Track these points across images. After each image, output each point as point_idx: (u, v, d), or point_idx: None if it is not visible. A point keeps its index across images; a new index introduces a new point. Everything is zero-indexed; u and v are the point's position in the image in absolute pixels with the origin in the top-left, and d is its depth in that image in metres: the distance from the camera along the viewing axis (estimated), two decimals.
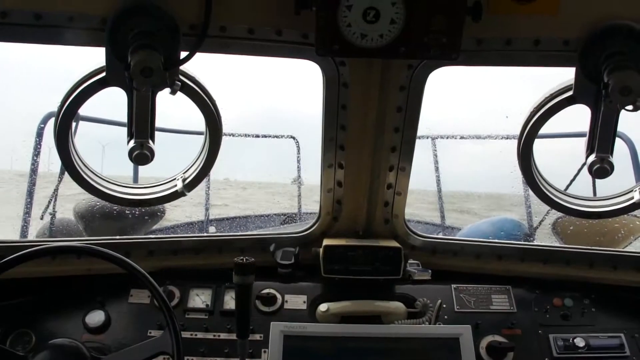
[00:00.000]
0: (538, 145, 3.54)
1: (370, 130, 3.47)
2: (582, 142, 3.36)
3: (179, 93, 3.06)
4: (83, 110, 3.39)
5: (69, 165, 3.36)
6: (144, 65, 2.70)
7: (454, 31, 2.79)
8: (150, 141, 3.10)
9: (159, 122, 3.18)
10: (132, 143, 3.09)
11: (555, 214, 6.45)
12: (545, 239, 7.09)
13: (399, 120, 3.41)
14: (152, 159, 3.11)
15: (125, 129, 3.14)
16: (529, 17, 2.95)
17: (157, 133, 3.17)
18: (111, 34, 2.86)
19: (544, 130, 3.48)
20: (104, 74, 3.05)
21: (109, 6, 2.87)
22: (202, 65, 3.28)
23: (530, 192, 7.40)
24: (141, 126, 3.06)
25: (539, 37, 3.05)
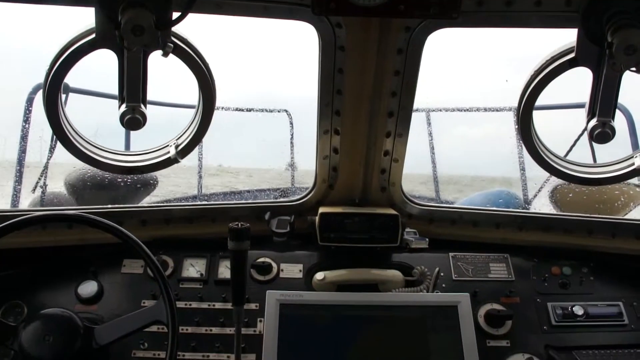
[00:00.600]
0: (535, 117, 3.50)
1: (367, 95, 3.41)
2: (580, 112, 3.32)
3: (171, 56, 2.99)
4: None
5: (59, 132, 3.29)
6: (134, 23, 2.63)
7: None
8: (142, 105, 3.03)
9: (151, 96, 3.11)
10: (123, 107, 3.02)
11: (552, 184, 6.43)
12: (542, 209, 7.08)
13: (397, 85, 3.34)
14: (144, 124, 3.05)
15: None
16: None
17: (149, 107, 3.10)
18: None
19: (543, 101, 3.43)
20: (93, 35, 2.96)
21: None
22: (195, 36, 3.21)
23: (526, 165, 7.42)
24: (133, 89, 2.99)
25: None
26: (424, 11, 2.76)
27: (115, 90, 3.08)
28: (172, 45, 2.93)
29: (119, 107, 3.05)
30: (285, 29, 3.31)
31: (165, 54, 2.92)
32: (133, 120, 3.02)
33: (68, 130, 3.32)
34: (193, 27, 3.13)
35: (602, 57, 3.02)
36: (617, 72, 3.02)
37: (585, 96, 3.27)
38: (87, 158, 3.44)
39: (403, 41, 3.16)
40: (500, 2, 2.99)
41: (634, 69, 2.89)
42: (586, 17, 2.95)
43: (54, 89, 3.15)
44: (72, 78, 3.44)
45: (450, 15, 2.77)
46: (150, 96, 3.10)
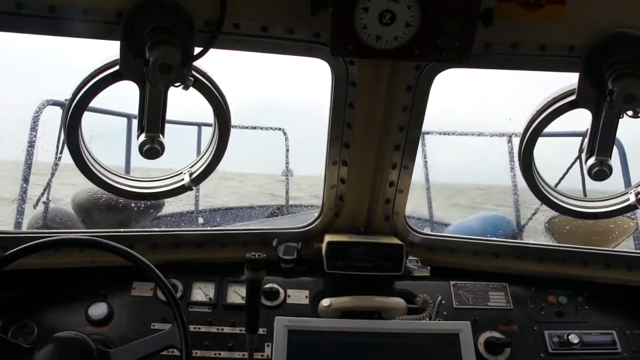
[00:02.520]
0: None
1: (375, 129, 3.52)
2: (569, 140, 3.44)
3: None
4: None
5: (78, 158, 3.36)
6: (163, 61, 2.70)
7: (465, 35, 2.83)
8: (161, 135, 3.11)
9: None
10: (142, 137, 3.10)
11: (544, 214, 6.56)
12: (537, 238, 7.20)
13: (404, 120, 3.45)
14: (162, 154, 3.13)
15: (118, 119, 3.14)
16: (536, 22, 2.99)
17: None
18: (127, 28, 2.85)
19: None
20: (117, 67, 3.05)
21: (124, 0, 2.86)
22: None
23: (520, 192, 7.54)
24: (153, 120, 3.08)
25: (545, 43, 3.11)
26: (437, 56, 2.87)
27: (115, 107, 3.14)
28: (192, 79, 3.00)
29: (138, 136, 3.12)
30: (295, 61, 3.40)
31: (185, 88, 3.00)
32: (152, 150, 3.10)
33: (86, 156, 3.39)
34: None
35: (602, 100, 3.14)
36: (616, 116, 3.15)
37: (575, 125, 3.38)
38: (104, 184, 3.51)
39: (412, 79, 3.28)
40: (507, 46, 3.12)
41: (630, 113, 3.02)
42: (588, 64, 3.08)
43: (76, 116, 3.23)
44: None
45: (461, 60, 2.90)
46: None
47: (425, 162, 8.32)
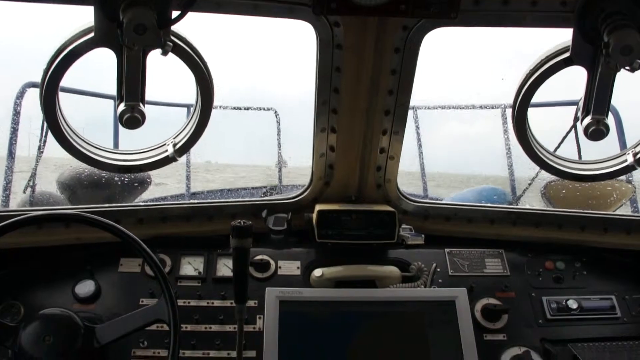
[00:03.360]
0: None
1: (363, 93, 3.44)
2: (564, 110, 3.36)
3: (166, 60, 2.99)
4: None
5: (57, 132, 3.27)
6: (137, 21, 2.62)
7: None
8: (141, 104, 3.02)
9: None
10: (122, 106, 3.01)
11: (541, 181, 6.51)
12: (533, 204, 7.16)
13: (393, 83, 3.37)
14: (143, 123, 3.04)
15: (103, 100, 3.06)
16: None
17: None
18: None
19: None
20: (92, 34, 2.95)
21: None
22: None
23: (514, 162, 7.50)
24: (132, 88, 2.98)
25: None
26: (424, 10, 2.79)
27: (99, 89, 3.07)
28: (171, 44, 2.92)
29: (117, 105, 3.04)
30: (280, 27, 3.32)
31: (164, 53, 2.91)
32: (132, 119, 3.01)
33: (66, 130, 3.31)
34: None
35: (597, 56, 3.06)
36: (613, 71, 3.06)
37: (570, 95, 3.30)
38: (85, 158, 3.43)
39: (400, 40, 3.19)
40: (497, 2, 3.02)
41: (628, 67, 2.93)
42: (581, 17, 2.98)
43: (51, 88, 3.14)
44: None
45: (449, 15, 2.81)
46: None
47: (419, 138, 8.27)
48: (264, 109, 9.13)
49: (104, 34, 2.89)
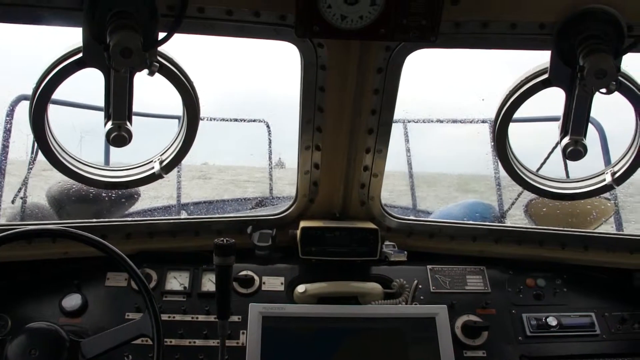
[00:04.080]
0: (511, 128, 3.57)
1: (347, 113, 3.48)
2: (553, 125, 3.41)
3: (156, 75, 3.03)
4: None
5: (46, 148, 3.32)
6: (123, 45, 2.65)
7: (432, 14, 2.79)
8: (128, 123, 3.06)
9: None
10: (109, 125, 3.04)
11: (527, 197, 6.55)
12: (518, 223, 7.20)
13: (376, 103, 3.42)
14: (129, 141, 3.08)
15: (96, 112, 3.09)
16: (506, 0, 2.98)
17: None
18: (88, 14, 2.80)
19: (517, 114, 3.51)
20: (80, 54, 3.00)
21: None
22: (178, 48, 3.25)
23: (502, 175, 7.52)
24: (119, 107, 3.02)
25: (516, 21, 3.06)
26: (404, 35, 2.83)
27: (92, 101, 3.10)
28: (157, 65, 2.95)
29: (105, 124, 3.07)
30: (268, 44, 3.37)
31: (151, 73, 2.94)
32: (119, 138, 3.04)
33: (54, 146, 3.35)
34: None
35: (574, 78, 3.10)
36: (589, 93, 3.12)
37: (555, 110, 3.35)
38: (72, 174, 3.47)
39: (383, 60, 3.24)
40: (477, 25, 3.07)
41: (604, 90, 2.99)
42: (559, 41, 3.04)
43: (40, 106, 3.18)
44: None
45: (429, 39, 2.86)
46: None
47: (408, 151, 8.31)
48: (257, 121, 9.15)
49: (92, 55, 2.93)
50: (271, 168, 8.82)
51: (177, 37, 2.95)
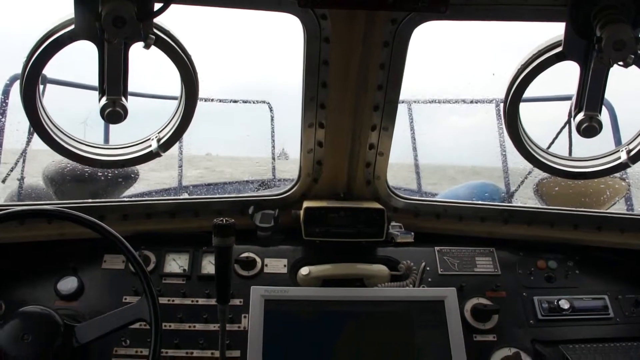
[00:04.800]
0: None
1: (352, 88, 3.37)
2: (558, 105, 3.30)
3: (152, 48, 2.91)
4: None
5: (37, 124, 3.20)
6: (115, 14, 2.54)
7: None
8: (123, 98, 2.95)
9: (133, 87, 3.04)
10: (103, 100, 2.93)
11: (533, 179, 6.46)
12: (526, 202, 7.10)
13: (382, 78, 3.30)
14: (125, 117, 2.97)
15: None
16: None
17: (130, 98, 3.02)
18: None
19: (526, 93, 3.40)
20: (72, 26, 2.87)
21: None
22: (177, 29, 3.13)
23: (508, 158, 7.43)
24: (113, 82, 2.91)
25: None
26: (412, 4, 2.70)
27: (95, 82, 3.00)
28: (153, 37, 2.85)
29: (99, 100, 2.97)
30: (270, 20, 3.24)
31: (147, 46, 2.84)
32: (114, 114, 2.94)
33: (46, 123, 3.24)
34: (176, 18, 3.05)
35: (590, 51, 2.99)
36: (606, 66, 2.99)
37: (564, 89, 3.24)
38: (66, 152, 3.36)
39: (389, 34, 3.11)
40: None
41: (621, 63, 2.86)
42: (574, 11, 2.90)
43: (31, 80, 3.06)
44: (51, 68, 3.34)
45: (438, 9, 2.73)
46: (131, 87, 3.02)
47: (413, 133, 8.21)
48: (258, 102, 9.03)
49: (84, 26, 2.81)
50: (274, 147, 8.75)
51: (177, 13, 2.84)
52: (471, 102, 7.72)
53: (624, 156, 3.54)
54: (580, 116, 3.16)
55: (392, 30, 3.10)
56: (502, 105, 3.57)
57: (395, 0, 2.68)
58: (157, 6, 2.77)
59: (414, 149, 8.25)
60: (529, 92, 3.39)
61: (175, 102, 3.44)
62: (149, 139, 3.44)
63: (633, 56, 2.80)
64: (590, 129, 3.16)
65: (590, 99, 3.13)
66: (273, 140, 8.74)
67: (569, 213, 3.90)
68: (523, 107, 3.45)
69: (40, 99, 3.17)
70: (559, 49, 3.11)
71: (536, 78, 3.28)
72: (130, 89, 3.02)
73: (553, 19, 3.06)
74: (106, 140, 6.86)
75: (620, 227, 3.85)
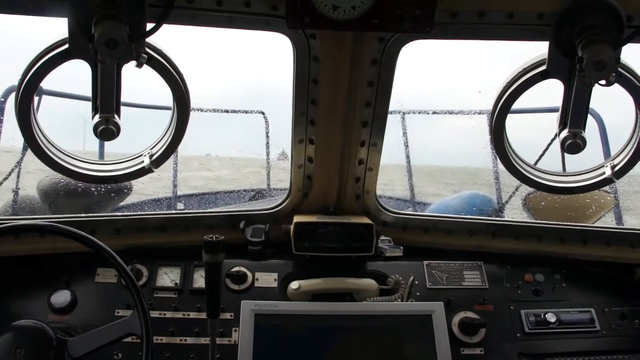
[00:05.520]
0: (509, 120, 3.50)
1: (341, 105, 3.41)
2: (551, 117, 3.34)
3: (145, 67, 2.95)
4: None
5: (32, 141, 3.25)
6: (108, 36, 2.57)
7: (427, 4, 2.71)
8: (116, 116, 2.99)
9: (127, 97, 3.08)
10: (96, 118, 2.97)
11: (525, 189, 6.48)
12: (516, 216, 7.14)
13: (371, 95, 3.34)
14: (117, 135, 3.01)
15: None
16: None
17: (123, 108, 3.05)
18: (74, 3, 2.71)
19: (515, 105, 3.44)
20: (66, 45, 2.91)
21: None
22: (170, 39, 3.18)
23: (500, 168, 7.45)
24: (106, 100, 2.95)
25: (513, 11, 2.98)
26: (398, 25, 2.75)
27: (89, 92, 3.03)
28: (146, 56, 2.88)
29: (92, 117, 3.00)
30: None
31: (139, 65, 2.87)
32: (107, 131, 2.98)
33: (41, 139, 3.28)
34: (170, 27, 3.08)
35: (573, 70, 3.03)
36: (587, 85, 3.05)
37: (554, 101, 3.28)
38: (59, 167, 3.40)
39: (377, 52, 3.17)
40: (474, 15, 2.99)
41: (603, 82, 2.91)
42: (557, 31, 2.95)
43: (26, 98, 3.10)
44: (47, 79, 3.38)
45: (424, 29, 2.78)
46: (124, 97, 3.06)
47: (406, 143, 8.24)
48: (253, 112, 9.05)
49: (78, 46, 2.85)
50: (269, 158, 8.77)
51: (168, 29, 2.88)
52: (464, 113, 7.79)
53: (608, 171, 3.58)
54: (565, 133, 3.20)
55: (379, 49, 3.15)
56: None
57: (380, 21, 2.72)
58: (149, 26, 2.81)
59: (408, 163, 8.28)
60: (529, 103, 3.43)
61: (164, 111, 3.46)
62: (141, 154, 3.48)
63: (614, 75, 2.85)
64: (574, 146, 3.20)
65: (574, 116, 3.17)
66: (268, 149, 8.76)
67: (555, 227, 3.94)
68: (511, 117, 3.51)
69: (35, 116, 3.21)
70: (543, 67, 3.15)
71: (521, 95, 3.33)
72: (123, 99, 3.06)
73: (537, 38, 3.11)
74: (101, 150, 6.89)
75: (606, 240, 3.89)
